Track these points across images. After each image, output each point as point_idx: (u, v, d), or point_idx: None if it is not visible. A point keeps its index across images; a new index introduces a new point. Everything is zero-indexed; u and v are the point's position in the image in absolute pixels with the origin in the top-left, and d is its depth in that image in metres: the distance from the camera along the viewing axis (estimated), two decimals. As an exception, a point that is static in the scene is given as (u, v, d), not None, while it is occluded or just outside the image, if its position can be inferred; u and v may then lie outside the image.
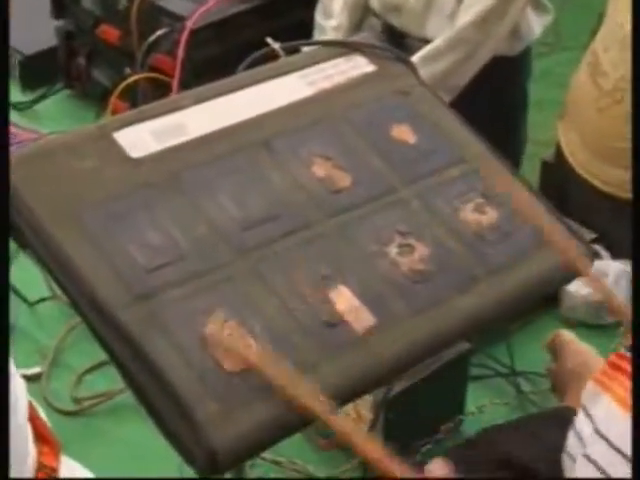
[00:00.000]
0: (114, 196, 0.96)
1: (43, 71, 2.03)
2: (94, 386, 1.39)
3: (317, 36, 1.90)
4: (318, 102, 1.09)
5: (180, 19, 1.77)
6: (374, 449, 0.80)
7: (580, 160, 1.73)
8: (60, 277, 0.92)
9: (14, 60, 2.02)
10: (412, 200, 1.03)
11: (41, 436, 0.95)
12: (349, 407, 1.23)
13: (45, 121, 1.96)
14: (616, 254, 1.53)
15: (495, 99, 1.88)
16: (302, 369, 0.88)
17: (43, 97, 2.03)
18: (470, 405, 1.34)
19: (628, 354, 0.82)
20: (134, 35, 1.83)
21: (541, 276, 1.02)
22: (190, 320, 0.89)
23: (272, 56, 1.14)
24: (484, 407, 1.35)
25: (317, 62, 1.13)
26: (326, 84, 1.11)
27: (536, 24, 1.86)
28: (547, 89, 2.26)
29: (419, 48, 1.80)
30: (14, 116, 1.91)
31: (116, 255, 0.92)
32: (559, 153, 1.80)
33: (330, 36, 1.85)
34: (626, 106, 1.54)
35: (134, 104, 1.76)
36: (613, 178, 1.61)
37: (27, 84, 2.03)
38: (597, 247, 1.50)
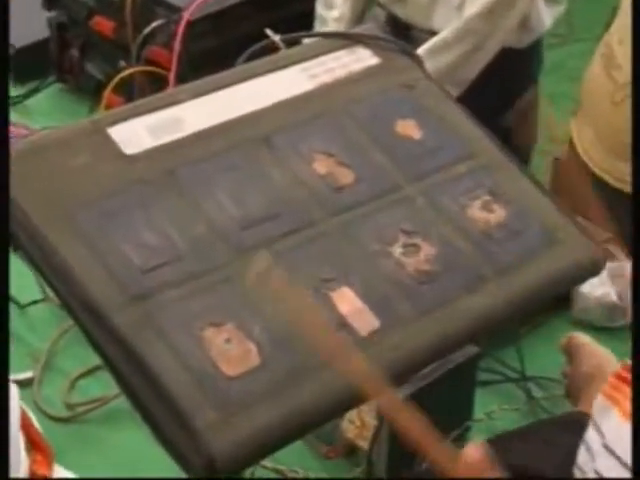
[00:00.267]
0: (108, 194, 0.96)
1: (34, 64, 2.03)
2: (88, 391, 1.39)
3: (318, 28, 1.90)
4: (319, 96, 1.09)
5: (177, 10, 1.77)
6: (419, 429, 0.81)
7: (594, 156, 1.72)
8: (52, 278, 0.92)
9: (4, 53, 2.03)
10: (417, 198, 1.03)
11: (33, 444, 0.96)
12: (353, 413, 1.23)
13: (36, 116, 1.96)
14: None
15: (504, 93, 1.88)
16: (304, 373, 0.88)
17: (34, 91, 2.03)
18: (478, 411, 1.34)
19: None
20: (129, 27, 1.84)
21: (552, 276, 1.02)
22: (187, 322, 0.89)
23: (272, 48, 1.14)
24: (493, 413, 1.35)
25: (318, 55, 1.13)
26: (328, 77, 1.11)
27: (547, 15, 1.86)
28: (559, 83, 2.26)
29: (425, 40, 1.80)
30: (4, 111, 1.91)
31: (110, 255, 0.92)
32: (572, 149, 1.80)
33: (332, 28, 1.85)
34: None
35: (129, 98, 1.76)
36: (628, 175, 1.61)
37: (18, 78, 2.03)
38: (611, 248, 1.50)
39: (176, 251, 0.93)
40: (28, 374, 1.41)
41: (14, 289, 1.50)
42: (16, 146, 1.00)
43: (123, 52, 1.86)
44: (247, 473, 1.18)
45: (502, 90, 1.87)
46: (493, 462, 0.82)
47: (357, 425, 1.25)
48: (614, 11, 1.74)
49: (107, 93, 1.74)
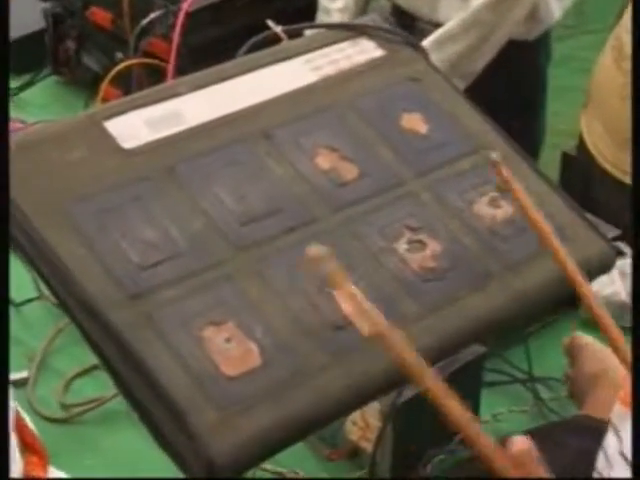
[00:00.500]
0: (105, 189, 0.96)
1: (29, 56, 2.04)
2: (84, 392, 1.40)
3: (321, 18, 1.90)
4: (323, 89, 1.09)
5: (176, 0, 1.78)
6: (463, 415, 0.83)
7: (603, 151, 1.73)
8: (48, 276, 0.92)
9: (-2, 44, 2.03)
10: (423, 193, 1.03)
11: (28, 445, 0.96)
12: (356, 415, 1.24)
13: (31, 109, 1.96)
14: (642, 252, 1.53)
15: (512, 86, 1.88)
16: (306, 373, 0.89)
17: (29, 84, 2.04)
18: (485, 413, 1.34)
19: None
20: (126, 18, 1.84)
21: (561, 274, 1.02)
22: (186, 321, 0.89)
23: (274, 40, 1.14)
24: (500, 415, 1.35)
25: (321, 46, 1.13)
26: (331, 70, 1.11)
27: (556, 6, 1.86)
28: (569, 75, 2.26)
29: (430, 32, 1.81)
30: (-2, 104, 1.91)
31: (107, 252, 0.92)
32: (581, 144, 1.80)
33: (335, 19, 1.86)
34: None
35: (126, 91, 1.77)
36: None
37: (12, 70, 2.02)
38: (621, 245, 1.50)
39: (175, 248, 0.94)
40: (23, 374, 1.41)
41: (8, 287, 1.51)
42: (10, 140, 1.00)
43: (120, 44, 1.86)
44: (247, 475, 1.18)
45: (509, 83, 1.88)
46: (538, 457, 0.83)
47: (360, 427, 1.25)
48: (625, 0, 1.74)
49: (104, 86, 1.74)
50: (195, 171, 0.99)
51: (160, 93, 1.06)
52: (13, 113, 1.90)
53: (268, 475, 1.27)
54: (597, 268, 1.05)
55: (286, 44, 1.14)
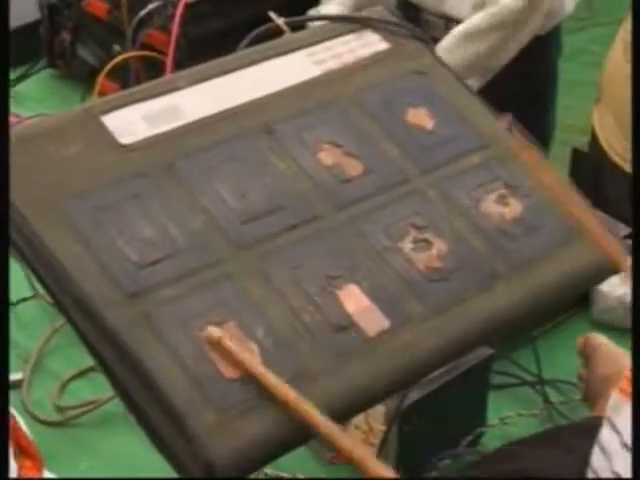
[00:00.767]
0: (102, 185, 0.97)
1: (24, 48, 2.03)
2: (80, 394, 1.40)
3: (324, 11, 1.90)
4: (326, 83, 1.10)
5: (175, -9, 1.78)
6: (382, 469, 0.81)
7: (614, 145, 1.73)
8: (43, 274, 0.93)
9: (-8, 36, 2.03)
10: (429, 191, 1.03)
11: (22, 449, 0.96)
12: (360, 418, 1.24)
13: (26, 103, 1.96)
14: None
15: (521, 80, 1.88)
16: (308, 376, 0.89)
17: (24, 77, 2.04)
18: (492, 417, 1.34)
19: None
20: (124, 8, 1.84)
21: (570, 274, 1.02)
22: (185, 321, 0.89)
23: (276, 32, 1.15)
24: (508, 419, 1.35)
25: (325, 39, 1.13)
26: (335, 63, 1.11)
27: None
28: (580, 69, 2.26)
29: (436, 24, 1.81)
30: (-8, 98, 1.92)
31: (104, 250, 0.92)
32: (593, 139, 1.80)
33: (339, 11, 1.86)
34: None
35: (124, 85, 1.77)
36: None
37: (6, 62, 2.04)
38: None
39: (174, 246, 0.94)
40: (17, 375, 1.41)
41: (2, 286, 1.51)
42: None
43: (118, 36, 1.86)
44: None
45: (520, 77, 1.88)
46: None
47: (364, 430, 1.25)
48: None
49: (101, 79, 1.74)
50: (195, 167, 1.00)
51: (159, 87, 1.06)
52: (7, 107, 1.91)
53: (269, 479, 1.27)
54: (608, 268, 1.05)
55: (288, 37, 1.14)
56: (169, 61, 1.71)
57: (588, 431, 1.07)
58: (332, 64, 1.11)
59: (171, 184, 0.98)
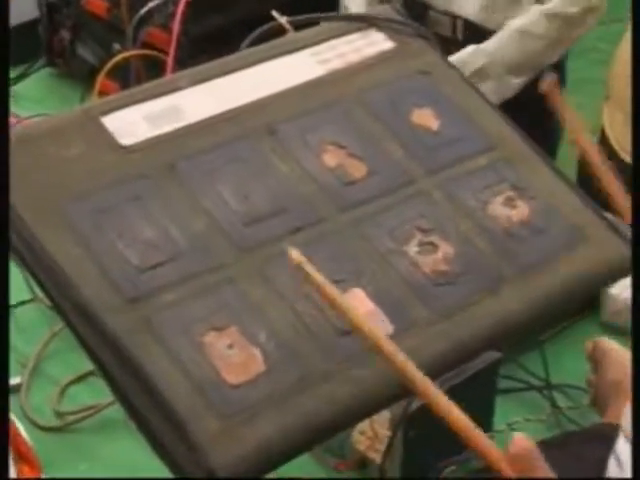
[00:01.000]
0: (102, 187, 0.97)
1: (22, 47, 2.04)
2: (79, 399, 1.40)
3: (340, 10, 1.91)
4: (330, 83, 1.10)
5: (176, -12, 1.78)
6: (470, 428, 0.86)
7: (624, 143, 1.73)
8: (42, 278, 0.93)
9: (-10, 34, 2.03)
10: (434, 193, 1.03)
11: (20, 455, 0.96)
12: (365, 424, 1.24)
13: (25, 103, 1.97)
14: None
15: (529, 82, 1.88)
16: (312, 381, 0.89)
17: (22, 76, 2.04)
18: (499, 422, 1.34)
19: None
20: (124, 6, 1.84)
21: (579, 277, 1.02)
22: (187, 326, 0.89)
23: (279, 31, 1.15)
24: (515, 424, 1.35)
25: (329, 38, 1.14)
26: (339, 63, 1.11)
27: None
28: (588, 66, 2.26)
29: (443, 22, 1.81)
30: (-10, 97, 1.92)
31: (104, 253, 0.93)
32: (603, 138, 1.80)
33: (351, 9, 1.86)
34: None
35: (124, 84, 1.77)
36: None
37: (5, 61, 2.04)
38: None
39: (175, 249, 0.94)
40: (15, 380, 1.41)
41: (1, 289, 1.51)
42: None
43: (118, 34, 1.87)
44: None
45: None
46: (539, 455, 0.83)
47: (369, 436, 1.25)
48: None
49: (100, 78, 1.74)
50: (196, 169, 1.00)
51: (159, 87, 1.06)
52: (6, 107, 1.91)
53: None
54: (617, 270, 1.05)
55: (292, 36, 1.14)
56: (170, 60, 1.71)
57: (597, 438, 1.07)
58: (336, 64, 1.11)
59: (172, 186, 0.98)
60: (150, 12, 1.80)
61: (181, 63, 1.65)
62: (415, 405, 1.21)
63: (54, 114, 1.11)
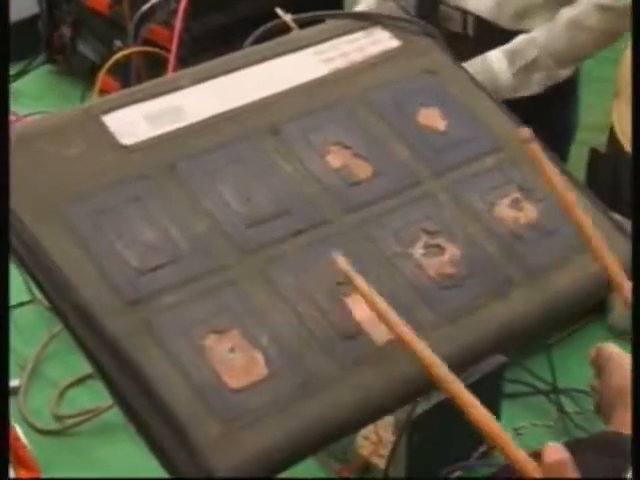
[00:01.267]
0: (102, 188, 0.97)
1: (22, 43, 2.04)
2: (78, 402, 1.40)
3: (349, 7, 1.91)
4: (334, 82, 1.10)
5: (178, -15, 1.78)
6: (494, 426, 0.85)
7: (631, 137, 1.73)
8: (41, 279, 0.93)
9: (-11, 31, 2.03)
10: (440, 194, 1.03)
11: (18, 458, 0.96)
12: (369, 429, 1.24)
13: (24, 100, 1.97)
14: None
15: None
16: (315, 385, 0.89)
17: (22, 73, 2.04)
18: (505, 427, 1.32)
19: None
20: (125, 3, 1.85)
21: (587, 280, 1.02)
22: (187, 329, 0.89)
23: (283, 29, 1.15)
24: (522, 429, 1.35)
25: (333, 37, 1.13)
26: (343, 62, 1.11)
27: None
28: (598, 65, 2.25)
29: (455, 18, 1.82)
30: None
31: (104, 255, 0.92)
32: (611, 135, 1.80)
33: (361, 7, 1.86)
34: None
35: (125, 82, 1.77)
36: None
37: (4, 58, 2.04)
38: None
39: (176, 251, 0.94)
40: (14, 382, 1.41)
41: (-1, 290, 1.51)
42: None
43: (119, 31, 1.87)
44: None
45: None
46: (574, 466, 0.83)
47: (373, 441, 1.25)
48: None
49: (101, 76, 1.74)
50: (198, 169, 1.00)
51: (161, 86, 1.06)
52: (5, 104, 1.91)
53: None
54: (626, 272, 1.05)
55: (296, 34, 1.14)
56: (172, 57, 1.71)
57: (604, 447, 1.06)
58: (340, 62, 1.11)
59: (173, 186, 0.98)
60: (152, 9, 1.80)
61: (183, 61, 1.65)
62: (419, 410, 1.21)
63: (54, 112, 1.11)
